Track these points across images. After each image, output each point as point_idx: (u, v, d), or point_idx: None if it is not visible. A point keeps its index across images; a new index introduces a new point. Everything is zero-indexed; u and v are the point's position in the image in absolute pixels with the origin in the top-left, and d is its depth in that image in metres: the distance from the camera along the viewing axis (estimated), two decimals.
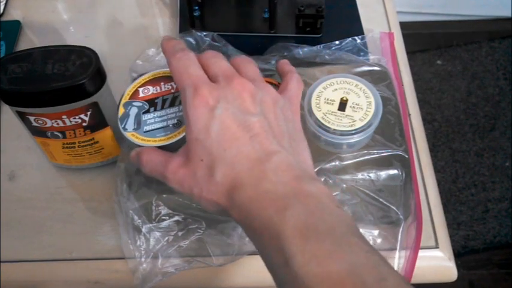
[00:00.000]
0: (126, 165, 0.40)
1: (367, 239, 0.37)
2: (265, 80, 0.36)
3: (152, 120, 0.37)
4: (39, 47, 0.38)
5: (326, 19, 0.51)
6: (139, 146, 0.36)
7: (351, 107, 0.38)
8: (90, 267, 0.41)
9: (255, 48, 0.50)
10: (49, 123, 0.39)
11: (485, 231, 1.17)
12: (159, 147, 0.36)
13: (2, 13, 0.58)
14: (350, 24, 0.54)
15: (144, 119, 0.37)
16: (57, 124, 0.39)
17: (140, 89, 0.39)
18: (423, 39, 1.42)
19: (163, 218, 0.39)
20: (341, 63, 0.46)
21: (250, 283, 0.41)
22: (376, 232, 0.40)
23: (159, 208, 0.39)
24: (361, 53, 0.48)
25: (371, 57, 0.48)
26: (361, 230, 0.35)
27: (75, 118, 0.39)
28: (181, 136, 0.36)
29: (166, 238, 0.39)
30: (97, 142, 0.42)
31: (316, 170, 0.38)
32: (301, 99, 0.38)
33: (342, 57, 0.46)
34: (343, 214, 0.29)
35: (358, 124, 0.38)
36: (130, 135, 0.37)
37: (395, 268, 0.39)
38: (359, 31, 0.52)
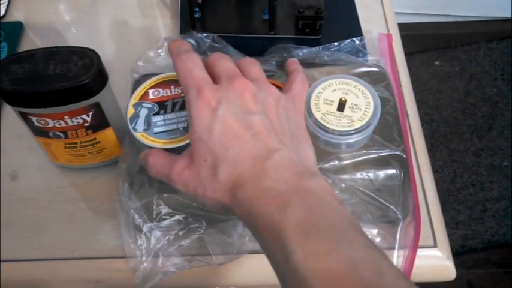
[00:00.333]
0: (127, 165, 0.40)
1: None
2: (269, 81, 0.36)
3: (162, 122, 0.38)
4: (41, 48, 0.38)
5: (325, 20, 0.51)
6: (149, 146, 0.37)
7: (349, 107, 0.39)
8: (91, 267, 0.42)
9: (254, 49, 0.50)
10: (51, 123, 0.39)
11: (484, 231, 1.18)
12: (169, 150, 0.36)
13: (4, 14, 0.58)
14: (349, 25, 0.54)
15: (154, 120, 0.38)
16: (59, 124, 0.39)
17: (150, 91, 0.39)
18: (421, 40, 1.42)
19: (164, 217, 0.39)
20: (340, 64, 0.46)
21: (250, 282, 0.42)
22: (374, 231, 0.40)
23: (160, 207, 0.39)
24: (360, 54, 0.48)
25: (369, 58, 0.48)
26: None
27: (77, 118, 0.39)
28: None
29: (167, 237, 0.39)
30: (99, 142, 0.42)
31: None
32: None
33: (341, 58, 0.46)
34: (344, 210, 0.29)
35: (357, 124, 0.38)
36: (141, 135, 0.37)
37: None
38: (358, 32, 0.53)
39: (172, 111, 0.38)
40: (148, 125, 0.37)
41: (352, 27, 0.54)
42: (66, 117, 0.39)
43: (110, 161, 0.45)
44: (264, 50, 0.49)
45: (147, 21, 0.57)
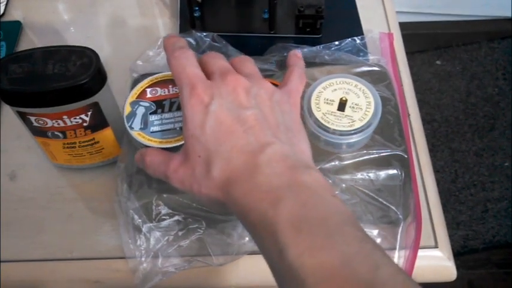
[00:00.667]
0: (126, 165, 0.40)
1: None
2: (268, 80, 0.36)
3: (159, 121, 0.37)
4: (40, 48, 0.38)
5: (326, 20, 0.51)
6: (145, 145, 0.36)
7: (350, 107, 0.39)
8: (91, 267, 0.42)
9: (254, 48, 0.50)
10: (50, 123, 0.39)
11: (485, 231, 1.17)
12: (166, 149, 0.36)
13: (3, 13, 0.58)
14: (350, 24, 0.54)
15: (151, 119, 0.38)
16: (58, 124, 0.39)
17: (148, 90, 0.39)
18: (422, 39, 1.42)
19: (164, 217, 0.39)
20: (340, 63, 0.46)
21: (250, 282, 0.42)
22: (375, 232, 0.40)
23: (159, 208, 0.39)
24: (361, 54, 0.48)
25: (370, 57, 0.48)
26: None
27: (75, 118, 0.39)
28: None
29: (167, 238, 0.39)
30: (97, 142, 0.42)
31: None
32: (301, 99, 0.38)
33: (342, 57, 0.46)
34: (338, 203, 0.29)
35: (358, 124, 0.38)
36: (137, 134, 0.37)
37: None
38: (358, 31, 0.53)
39: (170, 110, 0.38)
40: (145, 124, 0.37)
41: (353, 26, 0.53)
42: (64, 117, 0.38)
43: (108, 161, 0.45)
44: (264, 49, 0.49)
45: (146, 20, 0.57)
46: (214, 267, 0.40)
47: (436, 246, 0.41)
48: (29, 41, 0.56)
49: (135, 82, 0.43)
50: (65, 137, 0.41)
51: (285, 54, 0.47)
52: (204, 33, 0.48)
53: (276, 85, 0.37)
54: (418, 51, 1.45)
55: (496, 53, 1.45)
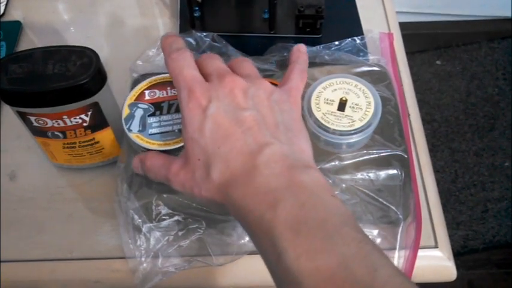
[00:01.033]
0: (126, 165, 0.40)
1: None
2: (268, 80, 0.36)
3: (158, 123, 0.37)
4: (40, 48, 0.38)
5: (326, 20, 0.51)
6: (144, 147, 0.36)
7: (350, 107, 0.39)
8: (91, 267, 0.42)
9: (254, 48, 0.50)
10: (50, 123, 0.39)
11: (485, 231, 1.17)
12: (164, 151, 0.36)
13: (3, 13, 0.58)
14: (350, 24, 0.54)
15: (149, 121, 0.38)
16: (58, 124, 0.39)
17: (146, 92, 0.39)
18: (422, 39, 1.42)
19: (164, 217, 0.39)
20: (340, 63, 0.46)
21: (250, 283, 0.42)
22: (375, 232, 0.40)
23: (159, 208, 0.39)
24: (361, 54, 0.48)
25: (370, 57, 0.48)
26: None
27: (75, 118, 0.39)
28: None
29: (167, 238, 0.39)
30: (97, 142, 0.42)
31: None
32: (301, 100, 0.38)
33: (342, 57, 0.46)
34: (337, 204, 0.29)
35: (358, 124, 0.38)
36: (135, 136, 0.37)
37: None
38: (358, 31, 0.53)
39: (168, 112, 0.38)
40: (144, 126, 0.37)
41: (353, 26, 0.53)
42: (64, 117, 0.38)
43: (108, 161, 0.45)
44: (264, 49, 0.49)
45: (146, 20, 0.57)
46: (214, 267, 0.40)
47: (436, 246, 0.41)
48: (29, 41, 0.56)
49: (135, 82, 0.43)
50: (65, 137, 0.41)
51: (285, 54, 0.47)
52: (204, 33, 0.48)
53: (275, 85, 0.37)
54: (418, 51, 1.45)
55: (496, 53, 1.45)
